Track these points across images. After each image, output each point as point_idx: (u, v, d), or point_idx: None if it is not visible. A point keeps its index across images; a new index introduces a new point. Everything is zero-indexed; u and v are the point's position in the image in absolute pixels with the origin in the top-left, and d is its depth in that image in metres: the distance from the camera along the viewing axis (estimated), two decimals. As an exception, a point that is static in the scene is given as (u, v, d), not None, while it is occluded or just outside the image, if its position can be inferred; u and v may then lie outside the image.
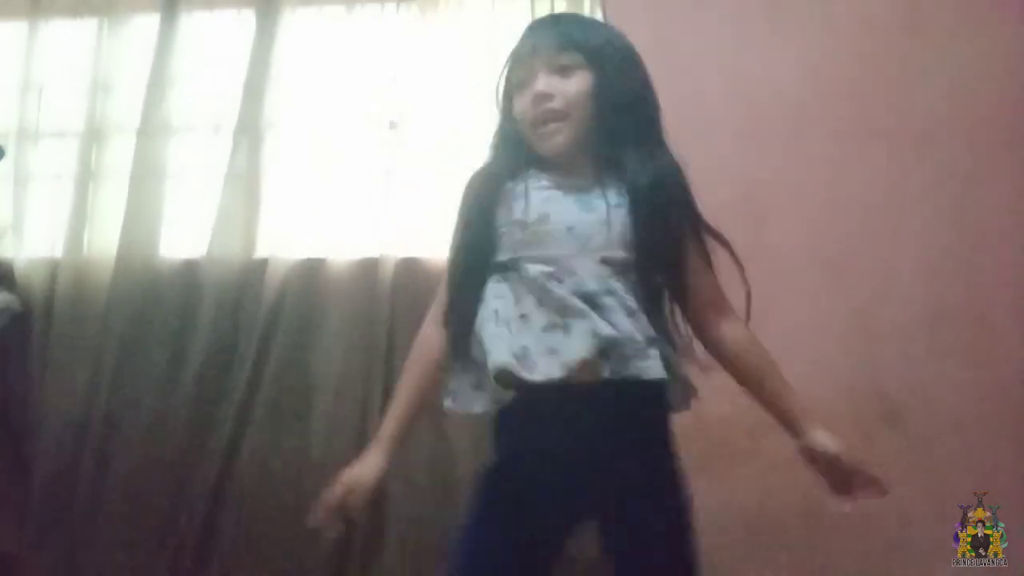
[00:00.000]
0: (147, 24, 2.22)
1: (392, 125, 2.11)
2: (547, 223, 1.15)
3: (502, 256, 1.17)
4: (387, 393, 1.93)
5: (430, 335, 1.24)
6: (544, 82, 1.17)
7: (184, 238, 2.13)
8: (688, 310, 1.23)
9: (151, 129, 2.11)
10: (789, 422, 1.28)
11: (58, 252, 2.12)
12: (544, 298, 1.12)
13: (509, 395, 1.13)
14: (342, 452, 1.93)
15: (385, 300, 1.96)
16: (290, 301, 2.01)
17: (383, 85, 2.12)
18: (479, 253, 1.19)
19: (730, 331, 1.27)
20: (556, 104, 1.17)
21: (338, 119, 2.11)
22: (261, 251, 2.08)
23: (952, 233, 1.98)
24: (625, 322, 1.12)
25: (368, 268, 2.01)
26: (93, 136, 2.15)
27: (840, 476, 1.25)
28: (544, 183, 1.19)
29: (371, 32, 2.16)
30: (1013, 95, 1.99)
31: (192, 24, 2.21)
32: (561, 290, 1.12)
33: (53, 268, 2.09)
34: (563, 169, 1.20)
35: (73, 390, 2.02)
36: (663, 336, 1.17)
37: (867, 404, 1.95)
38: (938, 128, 2.01)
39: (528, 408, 1.13)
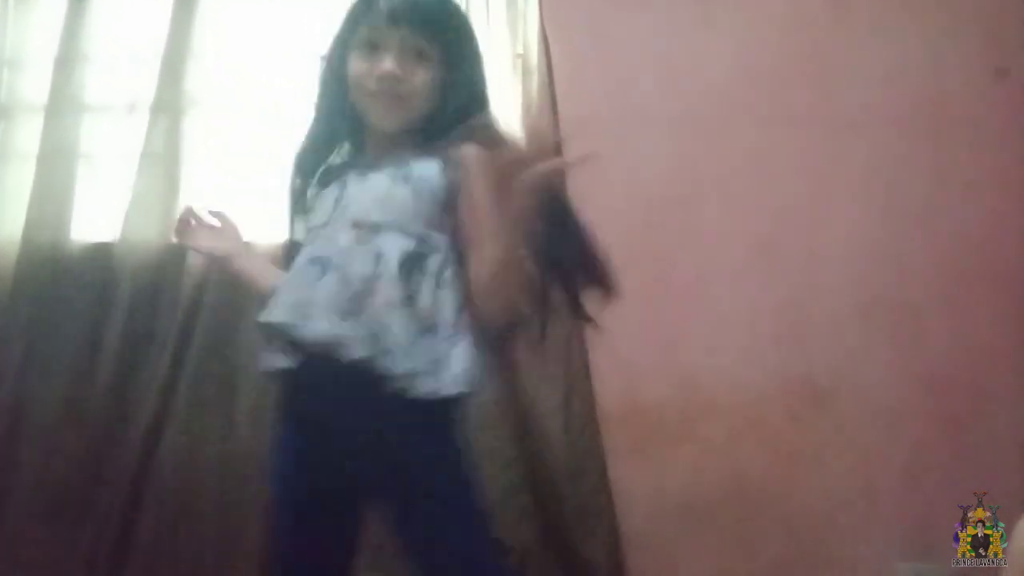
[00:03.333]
0: (55, -6, 2.13)
1: (319, 105, 2.07)
2: (319, 198, 1.23)
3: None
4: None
5: None
6: (396, 62, 1.17)
7: (98, 221, 2.06)
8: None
9: (60, 107, 2.03)
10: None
11: (-40, 236, 2.02)
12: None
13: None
14: (267, 444, 1.90)
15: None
16: (212, 287, 1.96)
17: (311, 63, 2.09)
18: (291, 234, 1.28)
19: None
20: (403, 88, 1.18)
21: (263, 98, 2.07)
22: (181, 235, 2.02)
23: (882, 220, 2.05)
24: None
25: (292, 252, 1.98)
26: (-1, 114, 2.06)
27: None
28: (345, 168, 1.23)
29: (299, 6, 2.12)
30: (940, 85, 2.08)
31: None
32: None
33: (-45, 252, 2.00)
34: (387, 140, 1.22)
35: (-24, 381, 1.94)
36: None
37: (797, 388, 2.02)
38: (867, 117, 2.07)
39: (300, 377, 1.15)
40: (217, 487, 1.91)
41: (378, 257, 1.12)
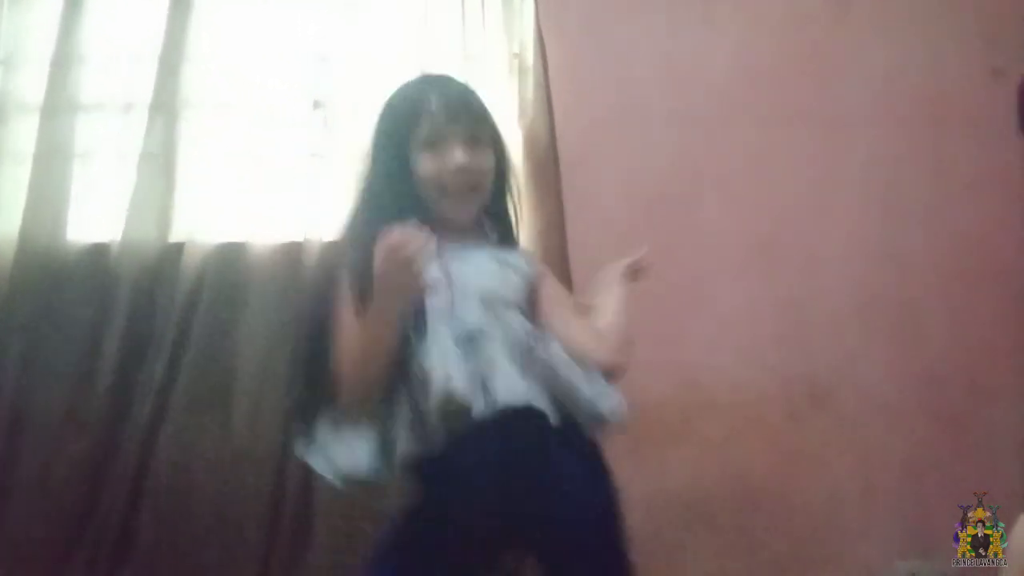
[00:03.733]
0: (52, -6, 2.13)
1: (316, 104, 2.07)
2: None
3: None
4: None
5: None
6: (465, 155, 1.25)
7: (94, 221, 2.05)
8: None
9: (57, 107, 2.02)
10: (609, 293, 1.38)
11: (-45, 237, 2.01)
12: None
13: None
14: (265, 443, 1.90)
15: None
16: (209, 287, 1.96)
17: (308, 62, 2.09)
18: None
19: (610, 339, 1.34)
20: (475, 178, 1.27)
21: (260, 97, 2.06)
22: (177, 235, 2.01)
23: (882, 219, 2.06)
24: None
25: (291, 252, 1.97)
26: (-7, 113, 2.06)
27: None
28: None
29: (296, 6, 2.12)
30: (940, 84, 2.08)
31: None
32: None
33: (-51, 254, 1.99)
34: (452, 231, 1.27)
35: (-27, 382, 1.93)
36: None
37: (796, 387, 2.02)
38: (867, 116, 2.08)
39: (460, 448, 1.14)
40: (215, 487, 1.91)
41: (524, 324, 1.22)
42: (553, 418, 1.15)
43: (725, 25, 2.12)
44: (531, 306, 1.30)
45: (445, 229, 1.24)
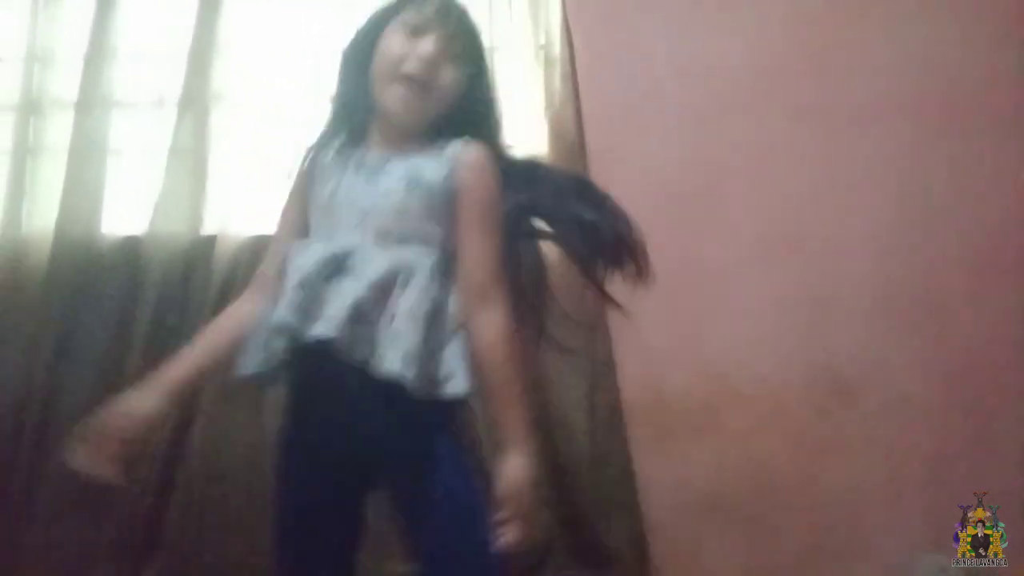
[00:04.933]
0: (85, -9, 2.19)
1: (343, 99, 2.11)
2: (332, 200, 1.21)
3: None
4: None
5: (242, 303, 1.28)
6: (435, 51, 1.19)
7: (127, 215, 2.11)
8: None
9: (91, 102, 2.08)
10: (501, 440, 1.16)
11: (-7, 230, 2.08)
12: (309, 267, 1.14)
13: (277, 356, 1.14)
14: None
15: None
16: (241, 279, 2.00)
17: (335, 58, 2.13)
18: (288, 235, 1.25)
19: (482, 324, 1.16)
20: (434, 81, 1.20)
21: (288, 92, 2.11)
22: (208, 228, 2.06)
23: (906, 212, 2.06)
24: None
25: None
26: (30, 109, 2.11)
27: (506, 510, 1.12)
28: (350, 164, 1.23)
29: (325, 1, 2.16)
30: (964, 74, 2.08)
31: (133, -9, 2.18)
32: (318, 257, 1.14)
33: (-12, 245, 2.06)
34: (395, 134, 1.23)
35: (10, 373, 1.99)
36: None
37: (820, 381, 2.03)
38: (890, 107, 2.08)
39: (303, 375, 1.17)
40: (245, 479, 1.95)
41: (399, 265, 1.14)
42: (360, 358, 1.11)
43: (743, 18, 2.14)
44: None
45: (383, 131, 1.23)
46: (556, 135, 2.05)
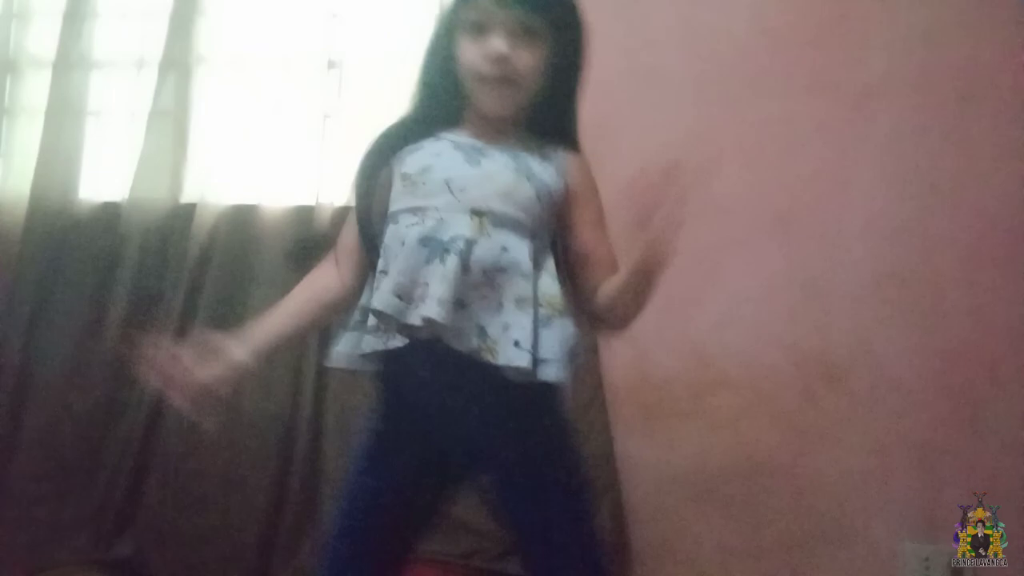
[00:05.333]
0: (64, -52, 2.13)
1: (331, 64, 2.07)
2: (427, 175, 1.18)
3: (391, 207, 1.20)
4: (323, 346, 1.92)
5: (322, 272, 1.26)
6: (506, 43, 1.17)
7: (105, 179, 2.07)
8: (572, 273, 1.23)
9: (69, 63, 2.04)
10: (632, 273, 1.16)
11: (-32, 193, 2.04)
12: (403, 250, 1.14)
13: (382, 344, 1.13)
14: (274, 405, 1.93)
15: (322, 250, 1.93)
16: (220, 249, 1.98)
17: (321, 21, 2.08)
18: (363, 210, 1.23)
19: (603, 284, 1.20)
20: (514, 72, 1.18)
21: (273, 56, 2.07)
22: (189, 195, 2.03)
23: (904, 193, 2.02)
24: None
25: (303, 216, 1.98)
26: (7, 69, 2.07)
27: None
28: (443, 142, 1.22)
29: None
30: (970, 52, 2.03)
31: (114, -51, 2.13)
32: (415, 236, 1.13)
33: (-38, 209, 2.02)
34: (490, 127, 1.23)
35: (-16, 339, 1.97)
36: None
37: (810, 364, 2.00)
38: (892, 84, 2.04)
39: (404, 361, 1.15)
40: (223, 449, 1.94)
41: (503, 250, 1.13)
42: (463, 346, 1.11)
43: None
44: (560, 219, 1.23)
45: (476, 121, 1.23)
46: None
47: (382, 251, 1.17)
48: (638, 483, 1.97)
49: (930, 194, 2.02)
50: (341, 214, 1.92)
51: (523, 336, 1.09)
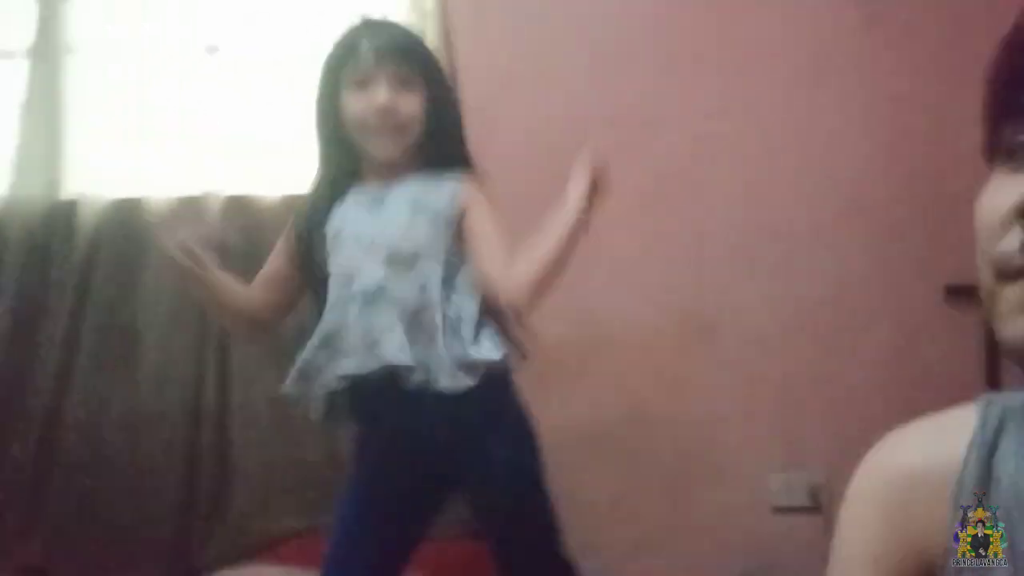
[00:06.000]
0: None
1: (211, 50, 2.05)
2: (340, 236, 1.35)
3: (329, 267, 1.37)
4: (223, 335, 1.96)
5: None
6: (388, 95, 1.32)
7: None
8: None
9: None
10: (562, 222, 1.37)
11: None
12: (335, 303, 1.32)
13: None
14: (176, 400, 1.95)
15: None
16: (106, 246, 1.96)
17: (199, 4, 2.04)
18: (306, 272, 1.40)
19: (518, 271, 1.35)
20: (399, 119, 1.34)
21: (150, 43, 2.03)
22: (68, 191, 1.98)
23: (763, 162, 2.22)
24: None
25: (191, 207, 1.98)
26: None
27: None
28: (349, 200, 1.38)
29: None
30: (817, 31, 2.23)
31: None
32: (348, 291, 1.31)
33: None
34: (386, 170, 1.38)
35: None
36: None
37: (686, 322, 2.20)
38: (756, 53, 2.20)
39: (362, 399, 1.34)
40: (127, 446, 1.96)
41: (423, 287, 1.30)
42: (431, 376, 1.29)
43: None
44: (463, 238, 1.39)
45: (374, 168, 1.38)
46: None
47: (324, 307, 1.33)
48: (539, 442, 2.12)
49: (784, 161, 2.23)
50: (230, 204, 1.96)
51: (455, 362, 1.28)
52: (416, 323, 1.28)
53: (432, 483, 1.39)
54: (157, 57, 2.03)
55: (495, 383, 1.36)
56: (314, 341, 1.29)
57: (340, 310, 1.30)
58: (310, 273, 1.38)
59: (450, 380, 1.27)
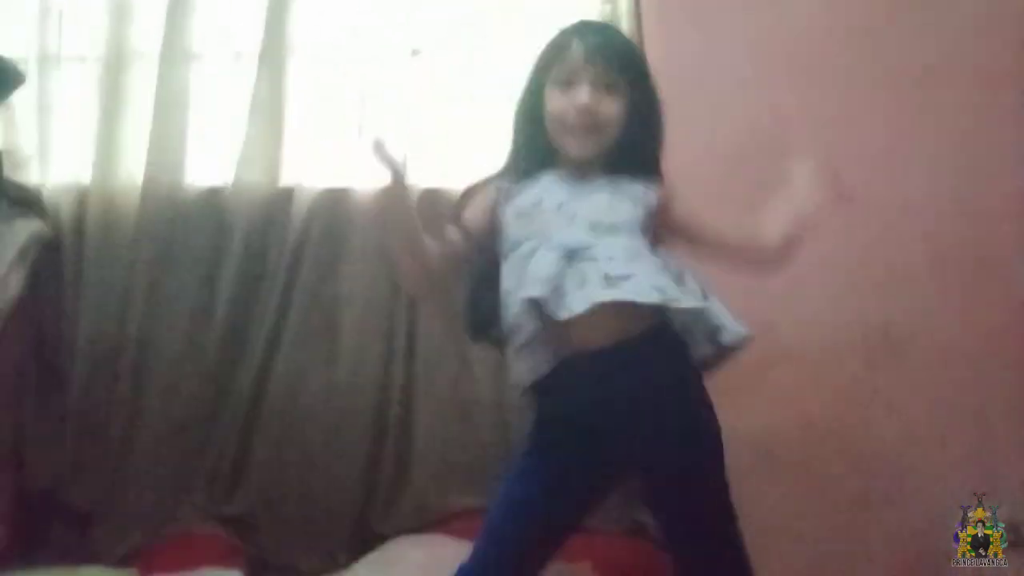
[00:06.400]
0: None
1: (414, 52, 2.20)
2: (539, 207, 1.39)
3: (509, 240, 1.42)
4: (411, 312, 2.12)
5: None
6: (592, 95, 1.38)
7: (209, 166, 2.24)
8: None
9: (173, 56, 2.20)
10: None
11: (84, 179, 2.23)
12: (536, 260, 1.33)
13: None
14: (369, 372, 2.11)
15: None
16: (316, 230, 2.14)
17: (405, 10, 2.20)
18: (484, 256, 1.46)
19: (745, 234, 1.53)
20: (598, 119, 1.39)
21: (360, 45, 2.21)
22: (286, 180, 2.19)
23: (963, 172, 2.11)
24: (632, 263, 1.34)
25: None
26: (115, 62, 2.23)
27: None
28: (544, 180, 1.43)
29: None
30: (1017, 35, 2.09)
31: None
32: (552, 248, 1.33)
33: (81, 195, 2.21)
34: (577, 169, 1.43)
35: (106, 316, 2.17)
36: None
37: (872, 336, 2.12)
38: (954, 67, 2.11)
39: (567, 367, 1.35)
40: (322, 416, 2.12)
41: (625, 248, 1.35)
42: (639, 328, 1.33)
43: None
44: (657, 230, 1.46)
45: (569, 164, 1.43)
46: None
47: (504, 274, 1.37)
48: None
49: (988, 173, 2.11)
50: (427, 196, 2.09)
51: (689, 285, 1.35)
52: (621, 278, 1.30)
53: (611, 467, 1.41)
54: (366, 58, 2.20)
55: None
56: (547, 266, 1.29)
57: (547, 267, 1.30)
58: (488, 247, 1.44)
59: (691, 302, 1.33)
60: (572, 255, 1.31)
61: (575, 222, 1.36)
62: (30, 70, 2.22)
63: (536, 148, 1.45)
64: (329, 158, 2.20)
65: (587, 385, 1.35)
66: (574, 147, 1.41)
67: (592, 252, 1.32)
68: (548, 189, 1.41)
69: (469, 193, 1.50)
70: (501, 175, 1.49)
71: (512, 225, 1.42)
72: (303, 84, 2.22)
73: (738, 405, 2.13)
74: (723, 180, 2.10)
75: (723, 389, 2.11)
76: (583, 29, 1.45)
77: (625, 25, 2.14)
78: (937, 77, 2.12)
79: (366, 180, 2.15)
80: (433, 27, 2.20)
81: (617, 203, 1.39)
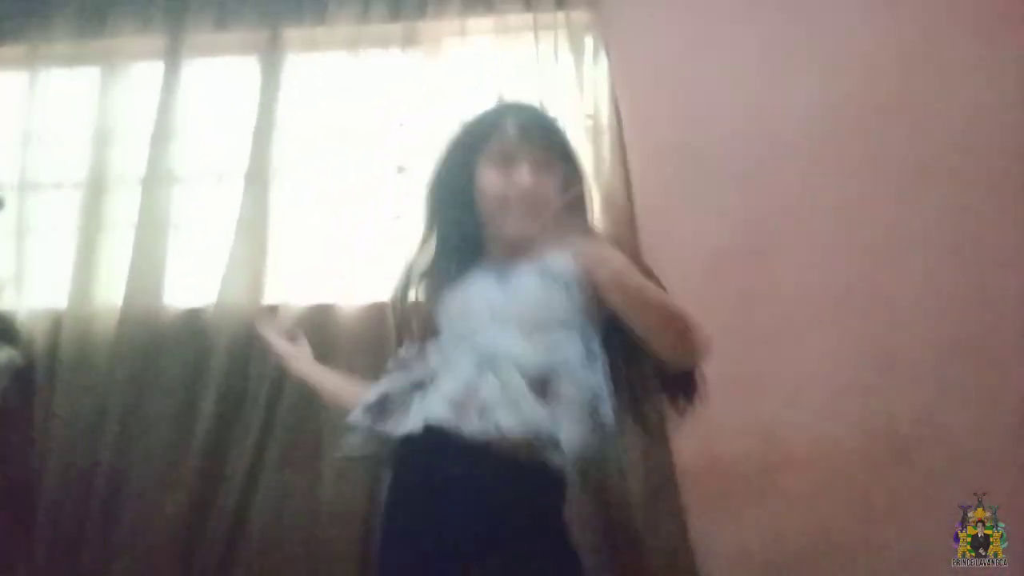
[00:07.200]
0: (149, 72, 2.34)
1: (400, 170, 2.23)
2: (467, 307, 1.35)
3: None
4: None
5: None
6: (531, 177, 1.35)
7: (188, 287, 2.22)
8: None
9: (156, 179, 2.22)
10: None
11: (60, 304, 2.21)
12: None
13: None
14: (352, 498, 2.02)
15: (395, 345, 2.05)
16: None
17: (390, 129, 2.25)
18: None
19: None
20: (538, 200, 1.34)
21: (345, 164, 2.25)
22: (270, 298, 2.17)
23: (962, 264, 2.12)
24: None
25: (377, 313, 2.11)
26: (96, 187, 2.24)
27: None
28: (470, 274, 1.39)
29: (376, 76, 2.29)
30: (1016, 129, 2.14)
31: (195, 72, 2.33)
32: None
33: (56, 320, 2.19)
34: (510, 246, 1.38)
35: (77, 442, 2.11)
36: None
37: (879, 439, 2.07)
38: (952, 158, 2.16)
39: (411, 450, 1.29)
40: (304, 544, 2.04)
41: (551, 353, 1.25)
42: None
43: (802, 74, 2.22)
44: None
45: (503, 243, 1.39)
46: (606, 203, 2.15)
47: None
48: (714, 567, 2.02)
49: (987, 264, 2.11)
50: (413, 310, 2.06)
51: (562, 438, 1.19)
52: (543, 394, 1.22)
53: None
54: (352, 176, 2.22)
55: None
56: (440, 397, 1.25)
57: (464, 372, 1.26)
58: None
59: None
60: (489, 365, 1.25)
61: (498, 321, 1.30)
62: (9, 196, 2.23)
63: (464, 235, 1.41)
64: (314, 275, 2.18)
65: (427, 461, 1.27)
66: (513, 227, 1.36)
67: (503, 363, 1.25)
68: (473, 287, 1.37)
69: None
70: (431, 271, 1.45)
71: (444, 323, 1.40)
72: (287, 202, 2.23)
73: (741, 516, 2.06)
74: (710, 281, 2.10)
75: (724, 498, 2.03)
76: (513, 108, 1.43)
77: (608, 136, 2.19)
78: (937, 169, 2.16)
79: (351, 295, 2.14)
80: (418, 144, 2.23)
81: (550, 294, 1.31)
